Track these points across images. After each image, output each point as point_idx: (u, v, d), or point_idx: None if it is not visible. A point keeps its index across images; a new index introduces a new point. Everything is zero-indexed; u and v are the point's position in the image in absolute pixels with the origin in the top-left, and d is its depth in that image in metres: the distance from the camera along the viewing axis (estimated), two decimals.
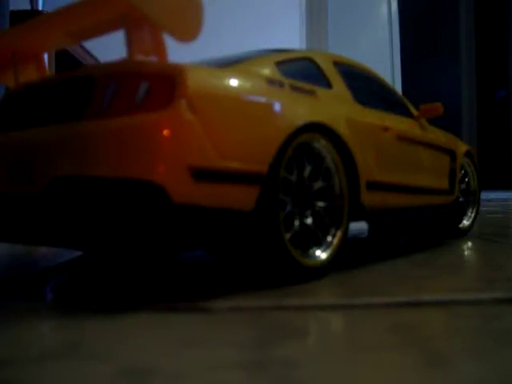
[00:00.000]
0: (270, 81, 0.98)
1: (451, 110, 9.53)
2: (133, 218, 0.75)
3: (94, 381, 0.50)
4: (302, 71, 1.16)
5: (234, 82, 0.88)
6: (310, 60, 1.22)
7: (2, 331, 0.68)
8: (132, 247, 0.96)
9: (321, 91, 1.12)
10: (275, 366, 0.52)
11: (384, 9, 7.43)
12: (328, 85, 1.20)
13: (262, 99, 0.92)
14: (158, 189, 0.72)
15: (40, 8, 5.41)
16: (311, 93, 1.08)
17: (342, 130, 1.05)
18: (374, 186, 1.15)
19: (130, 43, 0.81)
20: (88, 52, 5.42)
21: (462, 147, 1.78)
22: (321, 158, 1.03)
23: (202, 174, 0.77)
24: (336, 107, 1.13)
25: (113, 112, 0.78)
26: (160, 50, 0.81)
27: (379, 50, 7.22)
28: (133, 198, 0.73)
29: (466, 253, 1.49)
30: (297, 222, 0.97)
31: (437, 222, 1.62)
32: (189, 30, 0.82)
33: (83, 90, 0.85)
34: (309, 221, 1.00)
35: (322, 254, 1.00)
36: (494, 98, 9.42)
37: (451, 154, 1.67)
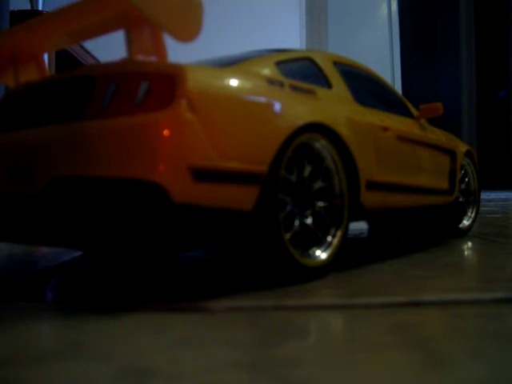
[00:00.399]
0: (270, 81, 0.98)
1: (451, 110, 9.52)
2: (133, 218, 0.75)
3: (94, 381, 0.50)
4: (302, 71, 1.16)
5: (234, 82, 0.88)
6: (310, 60, 1.22)
7: (2, 331, 0.68)
8: (132, 247, 0.96)
9: (321, 91, 1.13)
10: (275, 366, 0.52)
11: (384, 9, 7.44)
12: (328, 85, 1.21)
13: (262, 99, 0.92)
14: (158, 188, 0.72)
15: (40, 8, 5.41)
16: (311, 93, 1.08)
17: (342, 130, 1.05)
18: (373, 185, 1.15)
19: (130, 43, 0.80)
20: (88, 52, 5.42)
21: (462, 147, 1.78)
22: (321, 158, 1.03)
23: (202, 174, 0.77)
24: (336, 107, 1.13)
25: (113, 112, 0.78)
26: (160, 50, 0.81)
27: (379, 50, 7.22)
28: (133, 197, 0.73)
29: (465, 253, 1.49)
30: (297, 222, 0.97)
31: (437, 222, 1.63)
32: (188, 30, 0.82)
33: (83, 89, 0.85)
34: (309, 221, 1.00)
35: (322, 254, 1.00)
36: (495, 97, 9.42)
37: (451, 154, 1.68)
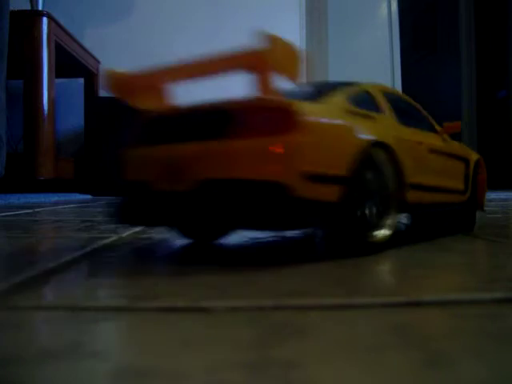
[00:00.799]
0: (347, 110, 1.33)
1: (451, 109, 9.51)
2: (263, 207, 1.07)
3: (93, 381, 0.50)
4: (363, 101, 1.52)
5: (325, 113, 1.24)
6: (367, 92, 1.58)
7: (2, 331, 0.68)
8: (259, 227, 1.31)
9: (377, 116, 1.48)
10: (275, 366, 0.52)
11: (384, 9, 7.43)
12: (381, 110, 1.56)
13: (343, 124, 1.27)
14: (281, 187, 1.06)
15: (40, 8, 5.41)
16: (372, 118, 1.43)
17: (393, 145, 1.40)
18: (413, 186, 1.52)
19: (256, 84, 1.10)
20: (88, 52, 5.43)
21: (473, 156, 2.15)
22: (380, 166, 1.37)
23: (308, 177, 1.10)
24: (388, 128, 1.49)
25: (247, 135, 1.11)
26: (276, 89, 1.12)
27: (379, 50, 7.21)
28: (263, 193, 1.07)
29: (466, 253, 1.49)
30: (366, 210, 1.30)
31: (455, 216, 2.01)
32: (294, 74, 1.13)
33: (221, 117, 1.17)
34: (373, 209, 1.34)
35: (383, 233, 1.35)
36: (495, 97, 9.40)
37: (466, 161, 2.05)
